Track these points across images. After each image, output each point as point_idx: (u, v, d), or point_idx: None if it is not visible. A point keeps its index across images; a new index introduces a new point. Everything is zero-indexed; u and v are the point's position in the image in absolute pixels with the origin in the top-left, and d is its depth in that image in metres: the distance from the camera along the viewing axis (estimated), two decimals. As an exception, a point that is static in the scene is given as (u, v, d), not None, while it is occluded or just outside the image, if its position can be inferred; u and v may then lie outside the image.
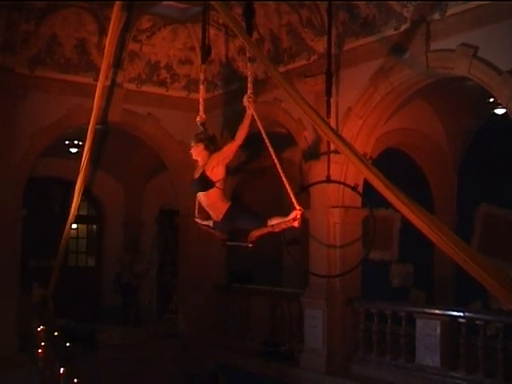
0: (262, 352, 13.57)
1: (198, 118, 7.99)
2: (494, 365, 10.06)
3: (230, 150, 7.22)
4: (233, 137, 7.25)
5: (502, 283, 4.88)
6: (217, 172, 7.16)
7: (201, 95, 8.32)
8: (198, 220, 7.80)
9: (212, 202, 7.22)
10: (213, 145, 7.40)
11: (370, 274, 12.79)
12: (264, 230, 7.28)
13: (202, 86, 8.60)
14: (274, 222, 7.24)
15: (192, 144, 7.49)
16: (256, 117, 7.09)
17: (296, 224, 7.15)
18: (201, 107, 8.09)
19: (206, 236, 15.39)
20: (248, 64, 7.41)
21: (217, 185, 7.16)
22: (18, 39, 13.37)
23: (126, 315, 17.58)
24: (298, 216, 7.11)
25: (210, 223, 7.53)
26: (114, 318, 17.61)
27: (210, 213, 7.37)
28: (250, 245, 7.41)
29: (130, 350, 14.73)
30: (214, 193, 7.19)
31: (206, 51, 9.63)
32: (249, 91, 7.25)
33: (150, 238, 18.82)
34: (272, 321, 14.17)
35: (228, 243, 8.13)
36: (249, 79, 7.33)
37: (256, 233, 7.36)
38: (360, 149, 11.29)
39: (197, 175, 7.34)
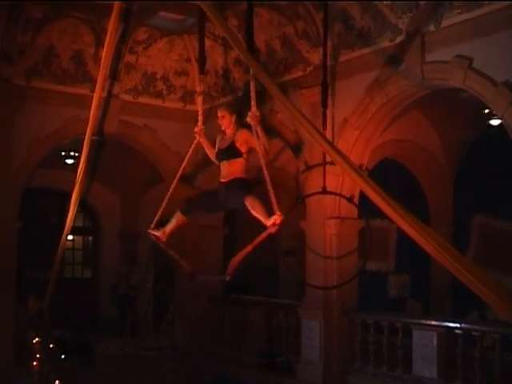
0: (258, 363, 13.54)
1: (196, 129, 8.04)
2: (490, 376, 10.04)
3: (260, 150, 7.32)
4: None
5: (499, 294, 4.88)
6: (245, 146, 7.35)
7: (199, 106, 8.35)
8: (152, 231, 7.99)
9: (233, 169, 7.37)
10: (240, 119, 7.57)
11: (366, 285, 12.78)
12: (244, 252, 7.27)
13: (199, 97, 8.62)
14: (251, 203, 7.23)
15: (223, 113, 7.62)
16: (259, 132, 7.19)
17: (274, 230, 7.12)
18: (200, 118, 8.13)
19: (203, 247, 15.40)
20: (251, 82, 7.39)
21: (244, 156, 7.34)
22: (15, 50, 13.40)
23: (122, 326, 17.52)
24: (278, 222, 7.12)
25: (163, 236, 7.74)
26: (110, 329, 17.55)
27: (224, 174, 7.49)
28: (227, 277, 7.42)
29: (127, 362, 14.68)
30: (239, 163, 7.36)
31: (203, 62, 9.65)
32: (253, 109, 7.26)
33: (146, 249, 18.76)
34: (269, 332, 14.14)
35: (198, 277, 8.17)
36: (252, 96, 7.31)
37: (235, 262, 7.39)
38: (356, 160, 11.32)
39: (223, 146, 7.52)
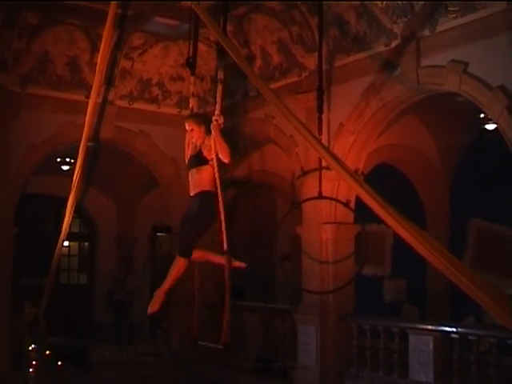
0: (255, 369, 13.52)
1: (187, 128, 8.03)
2: (487, 380, 10.03)
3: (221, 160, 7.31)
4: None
5: (495, 299, 4.88)
6: (211, 152, 7.31)
7: (190, 108, 8.36)
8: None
9: (200, 178, 7.33)
10: (209, 129, 7.54)
11: (363, 289, 12.78)
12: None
13: (192, 99, 8.63)
14: (199, 255, 7.27)
15: (191, 126, 7.59)
16: (216, 138, 7.15)
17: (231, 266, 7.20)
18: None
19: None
20: (219, 86, 7.44)
21: (210, 163, 7.31)
22: (10, 57, 13.39)
23: (118, 332, 17.49)
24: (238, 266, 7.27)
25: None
26: (106, 336, 17.51)
27: (192, 186, 7.46)
28: (220, 346, 7.45)
29: (123, 368, 14.64)
30: (206, 171, 7.33)
31: (192, 63, 9.67)
32: (216, 112, 7.31)
33: (142, 255, 18.75)
34: (265, 337, 14.13)
35: (200, 343, 8.15)
36: (217, 100, 7.36)
37: (227, 332, 7.39)
38: (352, 165, 11.33)
39: (193, 153, 7.52)
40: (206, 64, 14.60)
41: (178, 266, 7.39)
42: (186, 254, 7.35)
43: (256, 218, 18.23)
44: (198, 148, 7.50)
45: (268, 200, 18.54)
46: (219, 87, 7.47)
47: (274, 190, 17.92)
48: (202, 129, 7.54)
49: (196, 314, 8.04)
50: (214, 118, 7.31)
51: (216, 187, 7.19)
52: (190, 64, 9.57)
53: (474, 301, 5.00)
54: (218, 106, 7.35)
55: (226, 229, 7.01)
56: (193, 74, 9.65)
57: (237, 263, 7.39)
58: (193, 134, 7.60)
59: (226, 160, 7.24)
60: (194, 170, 7.52)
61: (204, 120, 7.59)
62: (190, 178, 7.58)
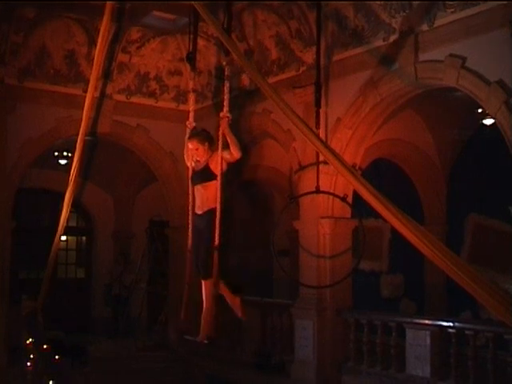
0: (252, 363, 13.53)
1: (188, 126, 8.05)
2: (483, 374, 10.05)
3: (231, 160, 7.36)
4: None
5: (492, 294, 4.89)
6: (219, 168, 7.34)
7: (190, 104, 8.35)
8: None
9: (207, 195, 7.35)
10: (213, 143, 7.56)
11: (360, 284, 12.80)
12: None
13: (191, 95, 8.63)
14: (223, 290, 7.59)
15: (195, 145, 7.60)
16: (227, 133, 7.21)
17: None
18: (191, 115, 8.15)
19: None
20: (225, 82, 7.46)
21: (218, 178, 7.32)
22: (7, 50, 13.35)
23: (115, 327, 17.50)
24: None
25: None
26: (103, 330, 17.54)
27: (199, 203, 7.48)
28: (205, 341, 7.60)
29: (120, 362, 14.66)
30: (213, 187, 7.33)
31: (193, 58, 9.68)
32: (224, 109, 7.34)
33: (139, 249, 18.74)
34: (262, 332, 14.12)
35: (186, 337, 8.25)
36: (224, 97, 7.39)
37: (211, 327, 7.51)
38: (349, 159, 11.32)
39: (197, 168, 7.52)
40: (204, 58, 14.60)
41: (206, 287, 7.63)
42: (209, 276, 7.53)
43: (253, 212, 18.24)
44: (204, 163, 7.53)
45: (265, 195, 18.54)
46: (226, 84, 7.47)
47: (272, 184, 17.92)
48: (206, 146, 7.57)
49: (184, 308, 8.03)
50: (222, 115, 7.35)
51: (221, 203, 7.25)
52: (190, 59, 9.56)
53: (471, 296, 5.01)
54: (226, 103, 7.37)
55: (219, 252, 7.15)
56: (193, 69, 9.64)
57: (237, 303, 7.59)
58: (198, 153, 7.63)
59: (237, 154, 7.29)
60: (199, 186, 7.53)
61: (207, 137, 7.60)
62: (195, 193, 7.59)
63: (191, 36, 10.72)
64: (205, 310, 7.48)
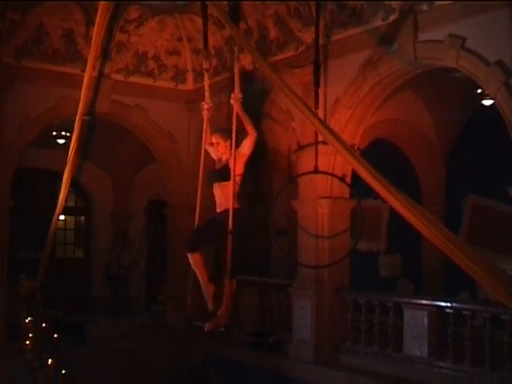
0: (250, 343, 13.59)
1: (205, 106, 8.03)
2: (480, 354, 10.10)
3: (251, 144, 7.41)
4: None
5: (490, 274, 4.89)
6: (239, 166, 7.37)
7: (206, 82, 8.30)
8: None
9: (226, 195, 7.37)
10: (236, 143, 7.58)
11: (358, 264, 12.82)
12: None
13: (206, 74, 8.58)
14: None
15: (218, 139, 7.64)
16: (240, 114, 7.25)
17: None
18: (206, 94, 8.12)
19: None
20: (235, 63, 7.46)
21: (236, 178, 7.33)
22: (4, 29, 13.27)
23: (114, 306, 17.57)
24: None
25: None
26: (102, 309, 17.60)
27: (218, 203, 7.53)
28: (222, 329, 7.66)
29: (119, 341, 14.71)
30: (231, 186, 7.34)
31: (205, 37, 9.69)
32: (236, 90, 7.36)
33: (138, 229, 18.80)
34: (260, 311, 14.18)
35: (195, 323, 8.31)
36: (235, 78, 7.39)
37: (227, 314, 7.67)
38: (348, 140, 11.31)
39: (217, 167, 7.55)
40: (201, 37, 14.51)
41: (227, 286, 7.68)
42: (190, 250, 7.61)
43: (252, 192, 18.23)
44: (224, 162, 7.55)
45: (264, 175, 18.52)
46: (236, 64, 7.47)
47: (270, 164, 17.90)
48: (228, 143, 7.57)
49: (190, 292, 8.08)
50: (234, 96, 7.37)
51: (239, 202, 7.29)
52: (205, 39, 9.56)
53: (469, 276, 5.01)
54: (236, 84, 7.38)
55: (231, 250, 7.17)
56: (206, 47, 9.61)
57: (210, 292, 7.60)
58: (218, 148, 7.65)
59: (252, 133, 7.33)
60: (217, 185, 7.56)
61: (230, 136, 7.60)
62: (214, 192, 7.62)
63: (203, 16, 10.72)
64: (226, 306, 7.50)
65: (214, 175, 7.65)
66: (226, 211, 7.36)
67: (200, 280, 7.81)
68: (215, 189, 7.62)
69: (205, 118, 7.96)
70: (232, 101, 7.38)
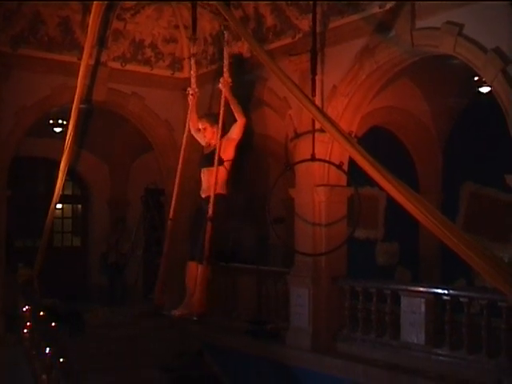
0: (247, 330, 13.61)
1: (190, 91, 8.02)
2: (477, 342, 10.13)
3: (240, 129, 7.40)
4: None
5: (488, 262, 4.91)
6: (229, 152, 7.35)
7: (192, 68, 8.31)
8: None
9: (213, 180, 7.35)
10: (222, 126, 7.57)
11: (355, 252, 12.83)
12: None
13: (192, 60, 8.58)
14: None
15: (204, 125, 7.63)
16: (230, 99, 7.24)
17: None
18: (192, 80, 8.13)
19: (191, 215, 15.39)
20: (225, 48, 7.46)
21: (225, 164, 7.33)
22: (0, 17, 13.23)
23: (112, 295, 17.58)
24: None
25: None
26: (100, 298, 17.61)
27: (204, 187, 7.50)
28: (195, 318, 7.62)
29: (116, 330, 14.73)
30: (220, 171, 7.33)
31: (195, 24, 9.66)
32: (225, 75, 7.36)
33: (135, 217, 18.79)
34: (258, 299, 14.19)
35: (163, 312, 8.26)
36: (225, 63, 7.40)
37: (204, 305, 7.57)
38: (345, 127, 11.27)
39: (207, 152, 7.54)
40: (199, 25, 14.46)
41: (201, 270, 7.77)
42: (207, 260, 7.72)
43: (249, 180, 18.23)
44: (213, 147, 7.55)
45: (261, 162, 18.52)
46: (226, 49, 7.47)
47: (267, 152, 17.89)
48: (215, 128, 7.54)
49: (161, 281, 8.07)
50: (223, 80, 7.35)
51: (226, 188, 7.27)
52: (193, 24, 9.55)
53: (466, 264, 5.03)
54: (226, 69, 7.38)
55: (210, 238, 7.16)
56: (194, 33, 9.60)
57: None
58: (205, 134, 7.63)
59: (241, 120, 7.32)
60: (205, 169, 7.53)
61: (217, 120, 7.57)
62: (202, 176, 7.60)
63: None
64: (200, 292, 7.46)
65: (204, 160, 7.63)
66: (208, 197, 7.34)
67: (192, 287, 7.74)
68: (203, 173, 7.60)
69: (190, 103, 7.95)
70: (221, 85, 7.37)
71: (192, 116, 7.96)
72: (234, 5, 13.23)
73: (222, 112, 7.32)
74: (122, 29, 14.85)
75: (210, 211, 7.16)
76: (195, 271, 7.54)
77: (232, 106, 7.27)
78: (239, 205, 17.11)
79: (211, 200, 7.17)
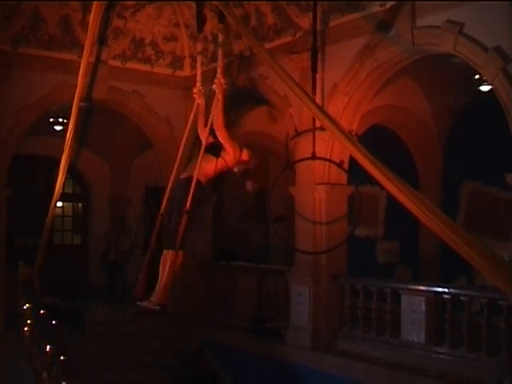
0: (248, 329, 13.62)
1: (194, 90, 7.97)
2: (477, 340, 10.14)
3: (232, 162, 7.36)
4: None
5: (488, 260, 4.90)
6: (231, 158, 7.33)
7: (198, 66, 8.25)
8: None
9: (201, 167, 7.27)
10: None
11: (356, 250, 12.83)
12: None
13: (198, 58, 8.52)
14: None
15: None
16: (217, 105, 7.18)
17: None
18: (198, 78, 8.07)
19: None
20: (219, 50, 7.42)
21: (219, 159, 7.30)
22: (1, 16, 13.23)
23: (112, 293, 17.57)
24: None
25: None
26: (100, 296, 17.61)
27: (191, 168, 7.42)
28: (157, 307, 7.55)
29: (117, 328, 14.74)
30: (212, 163, 7.30)
31: (202, 21, 9.61)
32: (218, 76, 7.30)
33: (135, 216, 18.77)
34: (258, 298, 14.20)
35: (138, 303, 8.18)
36: (219, 64, 7.35)
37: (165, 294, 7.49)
38: (346, 126, 11.28)
39: (206, 142, 7.50)
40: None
41: (170, 258, 7.59)
42: (175, 247, 7.47)
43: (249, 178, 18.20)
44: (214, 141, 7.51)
45: (261, 161, 18.51)
46: (220, 50, 7.43)
47: (268, 150, 17.89)
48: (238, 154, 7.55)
49: (143, 273, 7.99)
50: (217, 81, 7.29)
51: (207, 182, 7.20)
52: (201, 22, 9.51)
53: (466, 262, 5.02)
54: (220, 69, 7.33)
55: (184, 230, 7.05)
56: (200, 32, 9.54)
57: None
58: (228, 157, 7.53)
59: (217, 131, 7.20)
60: (205, 155, 7.47)
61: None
62: (198, 159, 7.53)
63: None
64: (165, 279, 7.39)
65: (207, 149, 7.55)
66: (189, 179, 7.21)
67: (163, 276, 7.66)
68: (201, 156, 7.47)
69: (198, 103, 7.87)
70: (214, 86, 7.30)
71: (201, 118, 7.86)
72: (234, 3, 13.25)
73: (212, 113, 7.24)
74: (122, 27, 14.85)
75: (188, 204, 7.04)
76: (166, 260, 7.43)
77: (214, 111, 7.17)
78: (239, 203, 17.14)
79: (191, 192, 7.04)
